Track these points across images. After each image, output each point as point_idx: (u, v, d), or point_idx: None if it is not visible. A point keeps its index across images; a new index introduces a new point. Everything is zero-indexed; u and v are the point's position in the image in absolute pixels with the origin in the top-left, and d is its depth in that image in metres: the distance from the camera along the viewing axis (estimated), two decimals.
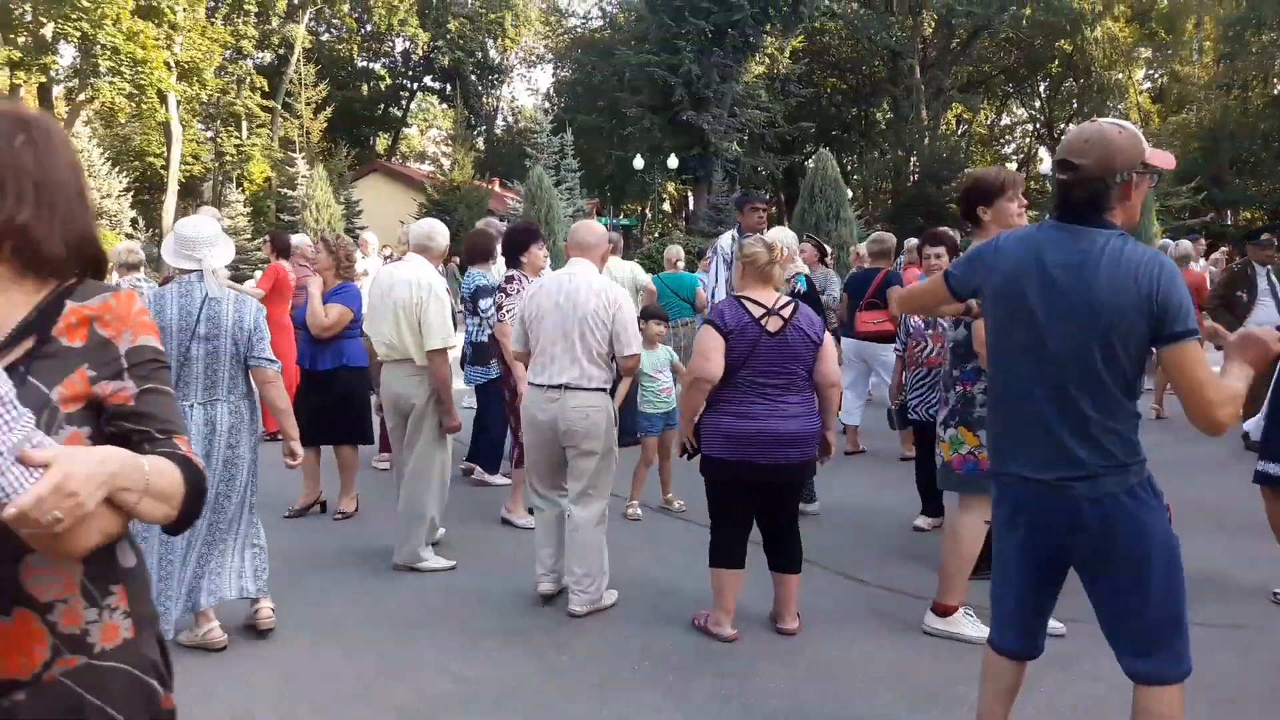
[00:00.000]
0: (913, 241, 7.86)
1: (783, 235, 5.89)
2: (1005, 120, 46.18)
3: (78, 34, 26.37)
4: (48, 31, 27.02)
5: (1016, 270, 2.50)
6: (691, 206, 37.88)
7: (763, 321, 3.89)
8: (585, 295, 4.32)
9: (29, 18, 26.90)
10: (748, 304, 3.94)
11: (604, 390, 4.39)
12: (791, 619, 4.16)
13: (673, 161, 29.21)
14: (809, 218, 20.65)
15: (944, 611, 4.10)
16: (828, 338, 4.07)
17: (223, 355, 3.92)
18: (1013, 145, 45.55)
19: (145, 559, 1.60)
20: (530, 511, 5.78)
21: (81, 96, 28.47)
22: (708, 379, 3.88)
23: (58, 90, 28.99)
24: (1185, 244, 10.17)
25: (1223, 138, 31.02)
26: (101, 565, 1.43)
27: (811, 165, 23.80)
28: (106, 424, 1.43)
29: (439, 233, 5.20)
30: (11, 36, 26.66)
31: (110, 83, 27.02)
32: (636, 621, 4.31)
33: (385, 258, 10.43)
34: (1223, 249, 13.22)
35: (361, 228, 27.25)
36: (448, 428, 4.96)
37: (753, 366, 3.88)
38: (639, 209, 41.90)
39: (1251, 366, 2.36)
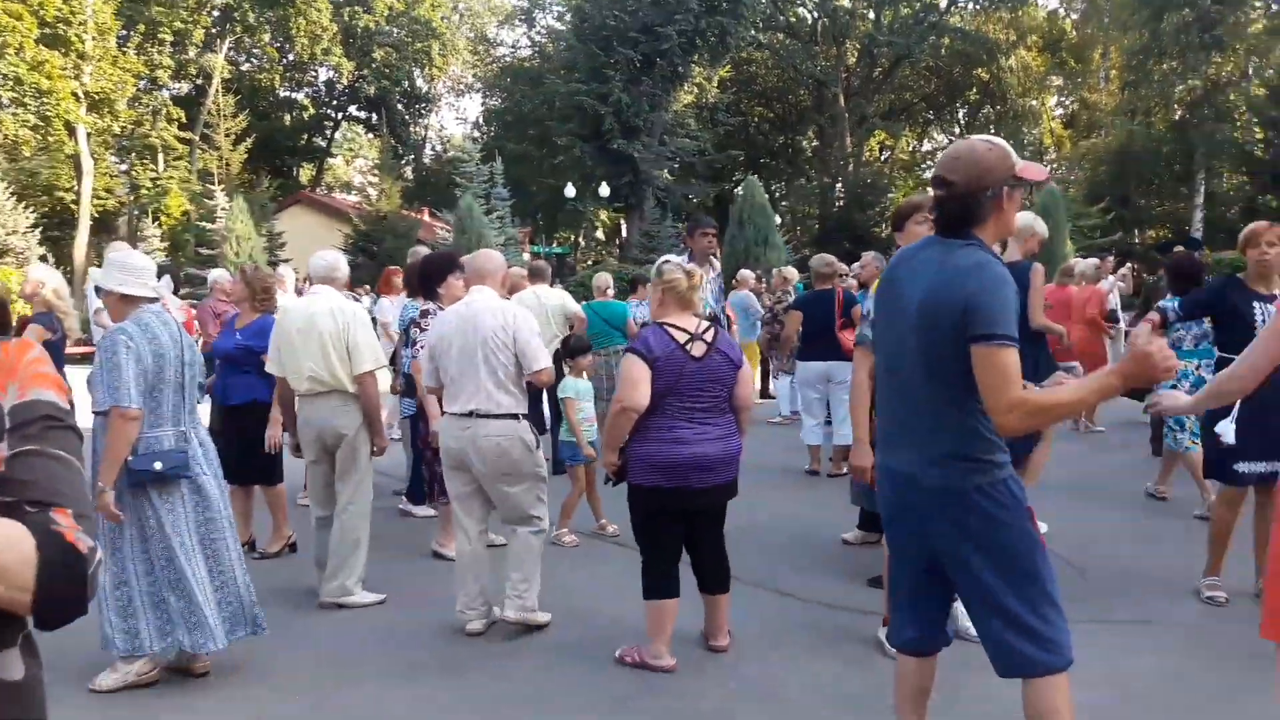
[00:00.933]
0: (867, 255, 7.80)
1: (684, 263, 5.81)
2: (927, 146, 47.40)
3: None
4: None
5: (888, 283, 2.71)
6: (625, 234, 37.95)
7: (688, 347, 3.87)
8: (484, 318, 4.30)
9: None
10: (671, 330, 3.90)
11: (515, 417, 4.30)
12: (724, 636, 4.15)
13: (604, 190, 29.28)
14: (738, 243, 20.86)
15: (885, 622, 4.06)
16: (746, 360, 4.10)
17: (191, 384, 3.96)
18: (934, 170, 46.71)
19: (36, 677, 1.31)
20: None
21: None
22: (635, 408, 3.83)
23: None
24: (1086, 262, 10.36)
25: (1129, 160, 32.17)
26: None
27: (740, 192, 24.08)
28: None
29: (341, 263, 5.16)
30: None
31: (13, 114, 26.18)
32: (571, 649, 4.24)
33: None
34: (1127, 265, 13.65)
35: (285, 260, 26.76)
36: (378, 449, 4.92)
37: (680, 392, 3.85)
38: (571, 237, 41.89)
39: (1120, 379, 2.33)
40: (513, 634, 4.39)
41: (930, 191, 2.72)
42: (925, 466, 2.53)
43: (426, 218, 32.93)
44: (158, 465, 3.69)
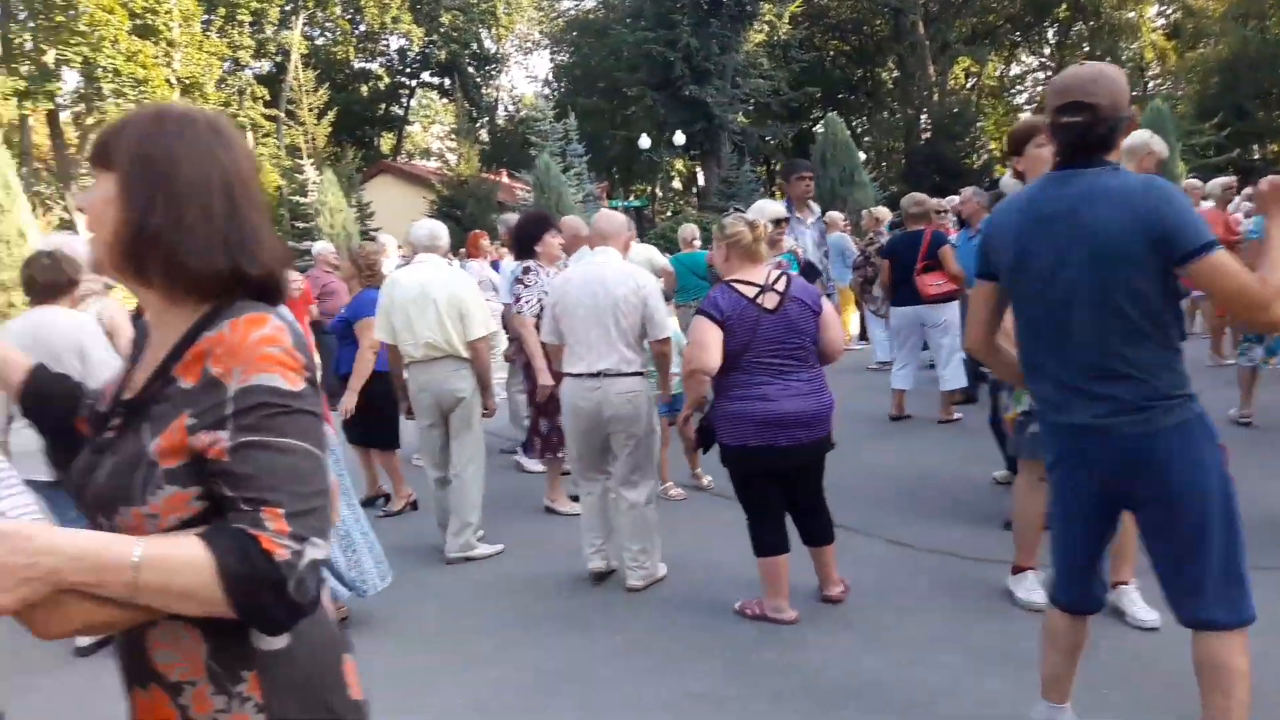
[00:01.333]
0: (950, 200, 7.64)
1: (768, 209, 5.75)
2: (1015, 70, 45.44)
3: (79, 59, 26.51)
4: (50, 59, 27.14)
5: (1018, 236, 2.49)
6: (702, 182, 37.60)
7: (759, 300, 3.82)
8: (615, 281, 4.36)
9: (30, 46, 27.01)
10: (739, 286, 3.86)
11: (641, 374, 4.42)
12: (835, 585, 4.16)
13: (679, 138, 28.95)
14: (823, 184, 20.43)
15: (1015, 570, 4.05)
16: (827, 304, 4.02)
17: None
18: (1024, 95, 44.79)
19: (309, 646, 1.32)
20: (574, 498, 5.80)
21: (90, 120, 28.58)
22: (705, 370, 3.81)
23: (65, 115, 29.10)
24: (1214, 182, 9.84)
25: (1242, 70, 30.24)
26: (229, 647, 1.24)
27: (820, 131, 23.55)
28: (213, 484, 1.20)
29: (442, 231, 5.29)
30: (15, 67, 26.78)
31: (115, 104, 27.12)
32: (687, 600, 4.32)
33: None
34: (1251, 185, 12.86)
35: (376, 229, 27.31)
36: (489, 410, 5.11)
37: (758, 348, 3.80)
38: (648, 189, 41.67)
39: None
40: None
41: (1040, 117, 2.60)
42: (1116, 415, 2.35)
43: (505, 179, 33.14)
44: None
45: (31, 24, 28.77)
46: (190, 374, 1.22)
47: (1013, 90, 44.89)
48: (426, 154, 50.39)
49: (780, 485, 3.98)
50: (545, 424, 5.78)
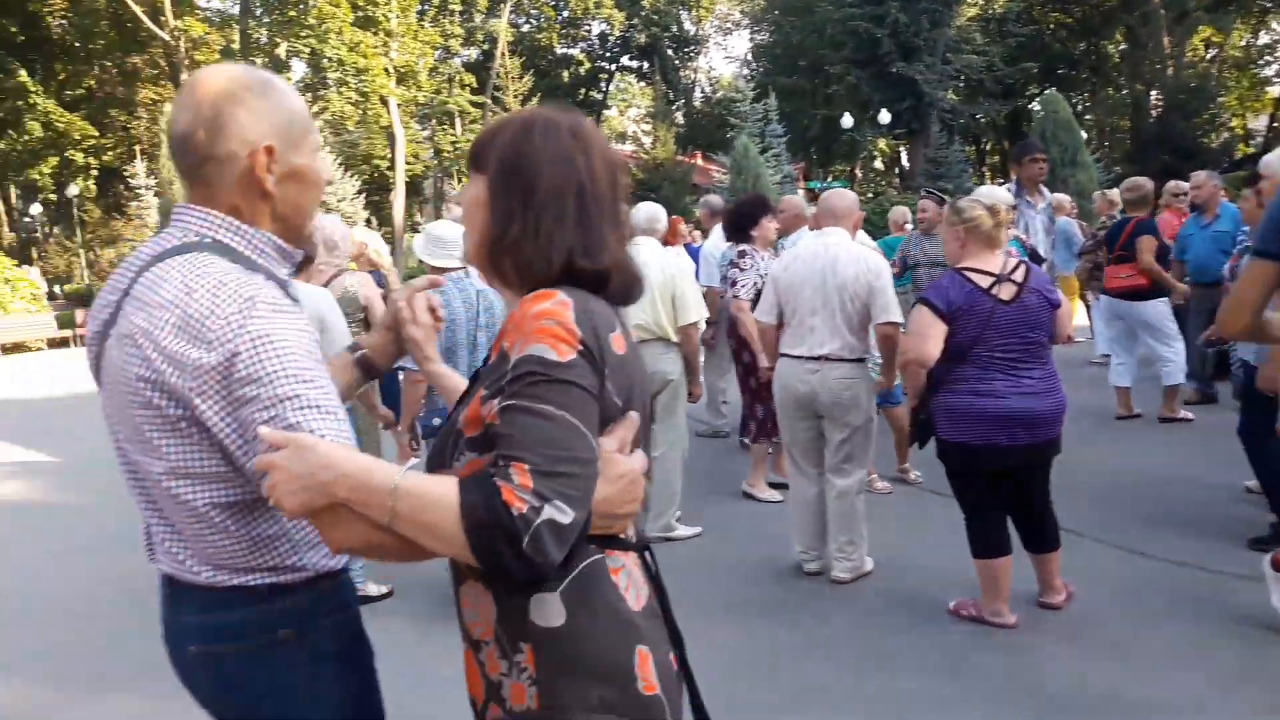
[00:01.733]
0: (1199, 175, 6.99)
1: (996, 194, 5.38)
2: (1264, 39, 41.11)
3: (307, 50, 28.50)
4: (281, 51, 29.35)
5: None
6: (906, 163, 36.33)
7: (994, 291, 3.57)
8: (844, 262, 4.21)
9: (265, 40, 29.30)
10: (973, 275, 3.61)
11: (862, 361, 4.27)
12: (1058, 592, 3.89)
13: (884, 117, 28.00)
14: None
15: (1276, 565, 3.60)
16: (1063, 297, 3.76)
17: (488, 341, 4.24)
18: (1275, 66, 40.55)
19: (608, 642, 1.32)
20: (773, 486, 5.73)
21: (314, 109, 30.73)
22: (921, 361, 3.63)
23: None
24: None
25: None
26: (512, 616, 1.30)
27: (1039, 109, 22.21)
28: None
29: (660, 214, 5.29)
30: (251, 59, 29.12)
31: (338, 93, 29.03)
32: (897, 597, 4.16)
33: None
34: None
35: None
36: (694, 395, 5.09)
37: (989, 342, 3.56)
38: (848, 170, 40.67)
39: None
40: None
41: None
42: None
43: (700, 161, 33.15)
44: (436, 421, 4.19)
45: (267, 19, 31.21)
46: (495, 351, 1.31)
47: (1260, 62, 40.69)
48: (622, 137, 51.22)
49: (1002, 485, 3.73)
50: (761, 409, 5.70)
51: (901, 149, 38.86)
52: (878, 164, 43.46)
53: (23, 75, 30.68)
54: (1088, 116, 36.61)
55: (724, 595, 4.30)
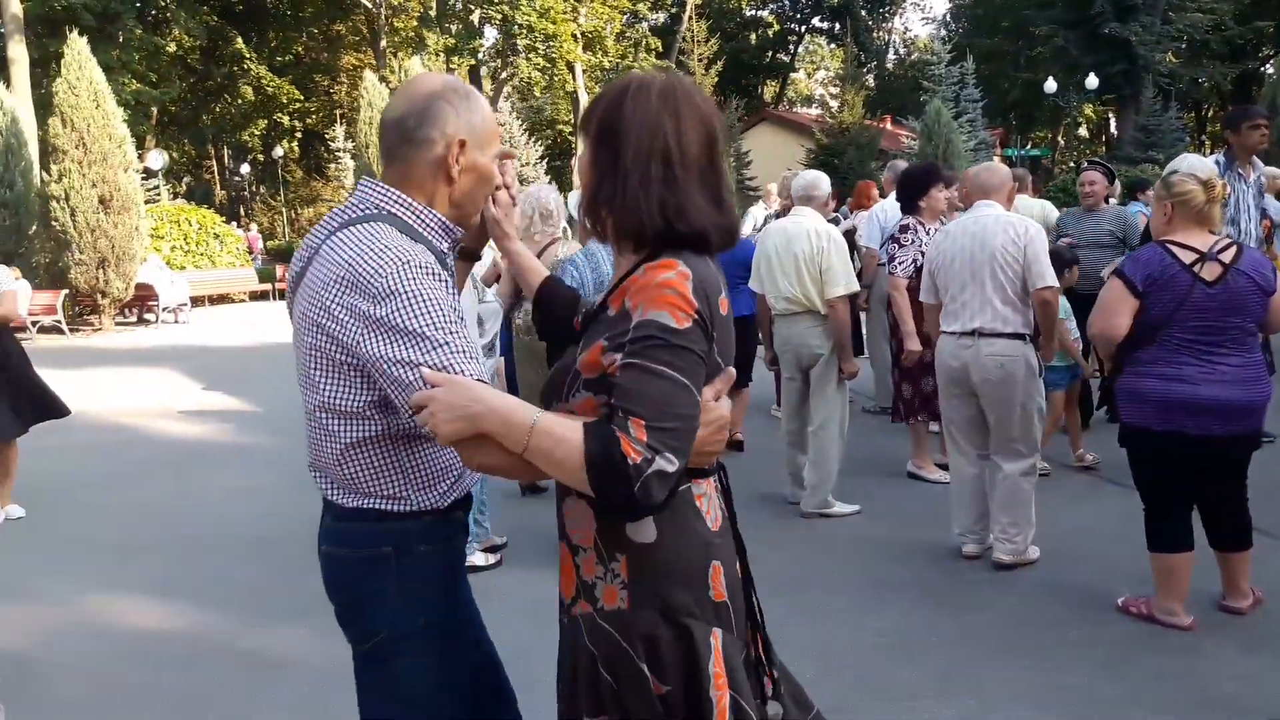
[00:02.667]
0: None
1: (1200, 165, 4.88)
2: None
3: (499, 16, 29.27)
4: (475, 18, 30.27)
5: None
6: (1114, 130, 33.90)
7: (1196, 269, 3.25)
8: (992, 231, 4.03)
9: (459, 7, 30.30)
10: (1176, 250, 3.31)
11: (1022, 337, 4.02)
12: (1244, 596, 3.56)
13: (1091, 81, 26.16)
14: (1272, 134, 17.52)
15: None
16: None
17: None
18: None
19: (690, 553, 1.54)
20: (942, 467, 5.48)
21: (504, 74, 31.62)
22: (1105, 336, 3.40)
23: (484, 71, 32.42)
24: None
25: None
26: (610, 531, 1.52)
27: (1272, 72, 20.16)
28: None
29: (820, 182, 5.15)
30: (446, 26, 30.20)
31: (527, 59, 29.72)
32: (1062, 588, 3.94)
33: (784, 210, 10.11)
34: None
35: (752, 178, 27.71)
36: (847, 373, 4.90)
37: (1183, 322, 3.27)
38: (1049, 136, 38.33)
39: None
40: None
41: None
42: None
43: (889, 126, 32.02)
44: None
45: None
46: (615, 306, 1.48)
47: None
48: (808, 101, 50.12)
49: (1189, 478, 3.44)
50: (908, 388, 5.51)
51: (1110, 115, 36.30)
52: (1082, 131, 40.78)
53: (239, 43, 33.04)
54: None
55: (876, 575, 4.21)
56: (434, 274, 1.57)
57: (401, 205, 1.68)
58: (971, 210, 4.25)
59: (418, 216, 1.69)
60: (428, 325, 1.50)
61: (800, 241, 4.81)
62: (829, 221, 5.32)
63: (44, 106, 22.50)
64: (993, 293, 4.00)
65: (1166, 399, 3.29)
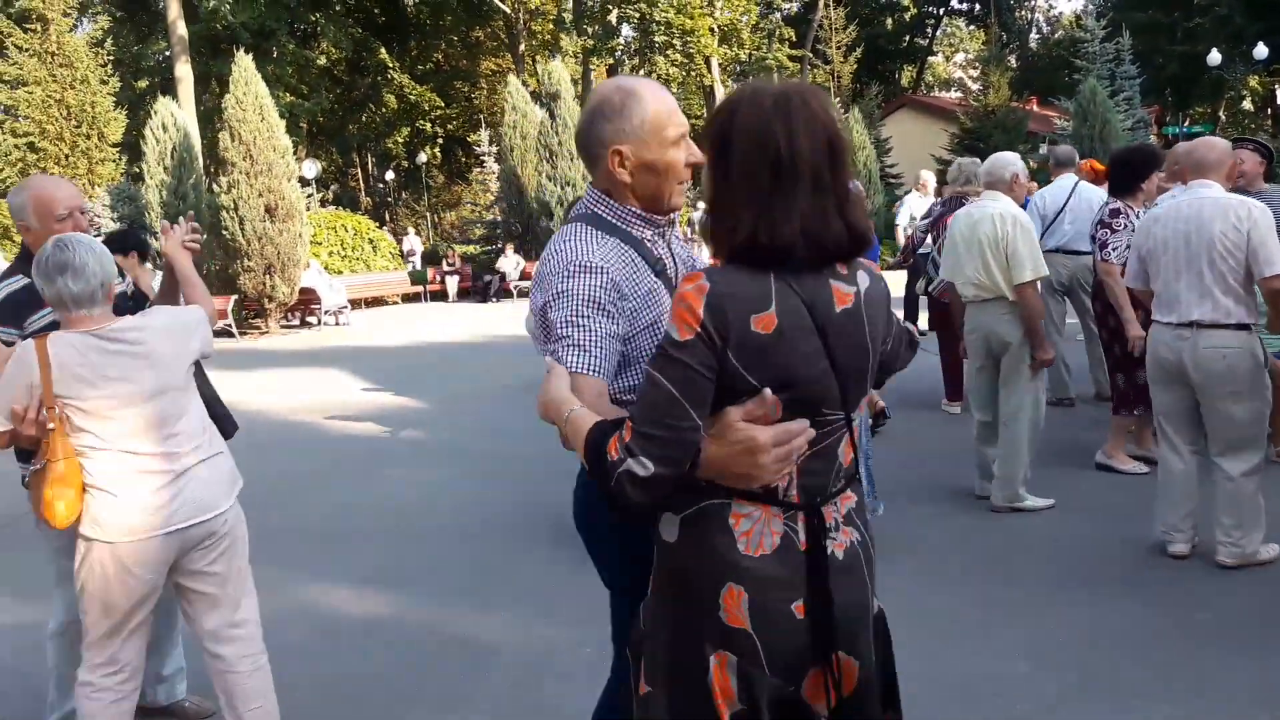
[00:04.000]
0: None
1: None
2: None
3: (636, 15, 29.45)
4: (613, 17, 30.56)
5: None
6: None
7: None
8: (1210, 216, 3.78)
9: (596, 7, 30.65)
10: None
11: (1246, 328, 3.79)
12: None
13: (1259, 50, 24.44)
14: None
15: None
16: None
17: None
18: None
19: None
20: (1137, 459, 5.37)
21: (642, 72, 31.79)
22: None
23: (621, 69, 32.68)
24: None
25: None
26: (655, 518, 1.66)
27: None
28: None
29: (1003, 163, 4.98)
30: (585, 27, 30.59)
31: (664, 56, 29.81)
32: None
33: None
34: None
35: (893, 165, 27.07)
36: (1040, 361, 4.74)
37: None
38: (1209, 111, 36.06)
39: None
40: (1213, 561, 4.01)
41: None
42: None
43: (1035, 108, 30.73)
44: None
45: None
46: None
47: None
48: (947, 85, 48.58)
49: None
50: (1122, 377, 5.29)
51: (1278, 87, 33.87)
52: (1246, 104, 38.21)
53: (383, 53, 34.29)
54: None
55: (1074, 570, 4.08)
56: (589, 270, 1.76)
57: (601, 204, 1.91)
58: (1186, 190, 4.01)
59: (614, 212, 1.90)
60: (559, 319, 1.74)
61: (985, 226, 4.70)
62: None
63: (205, 120, 24.01)
64: (1212, 282, 3.77)
65: None
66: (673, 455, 1.45)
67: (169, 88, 22.55)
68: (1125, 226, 5.04)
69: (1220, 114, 36.54)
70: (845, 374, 1.52)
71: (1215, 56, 25.12)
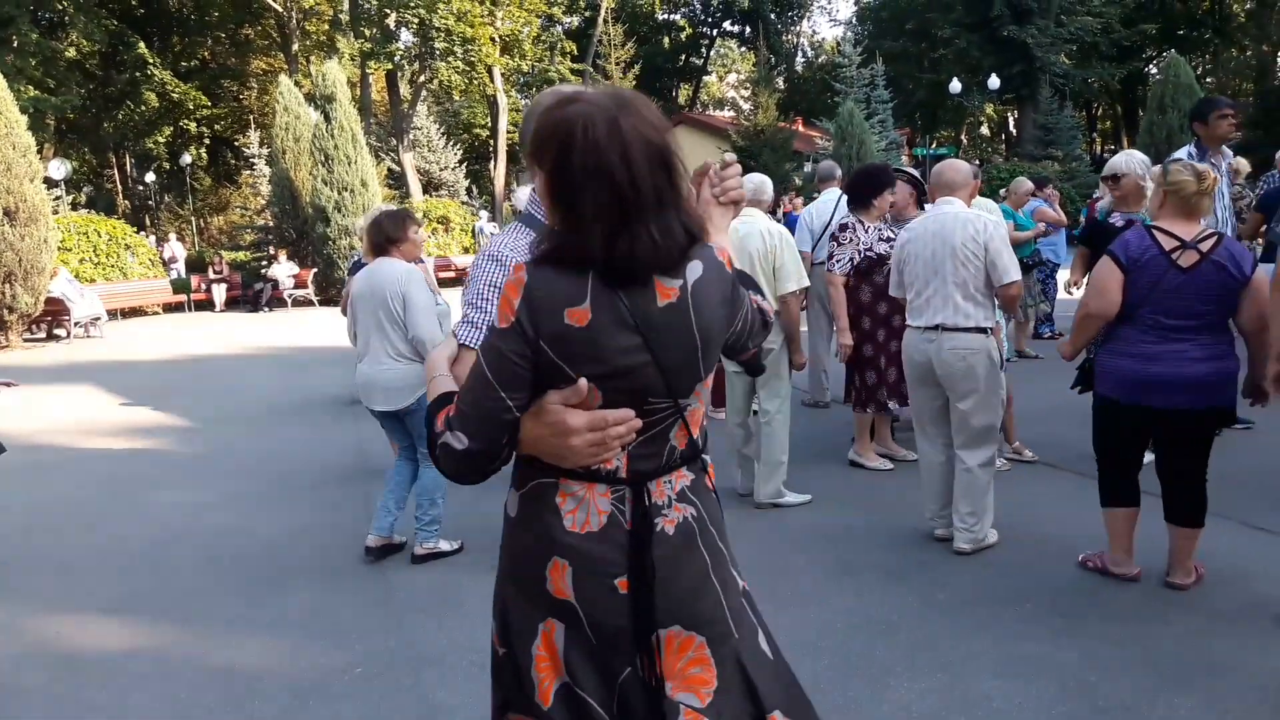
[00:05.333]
0: None
1: (1134, 159, 5.19)
2: None
3: (416, 20, 28.93)
4: (391, 21, 29.85)
5: None
6: (1014, 129, 35.13)
7: (1174, 255, 3.51)
8: (952, 228, 4.20)
9: (374, 10, 29.84)
10: (1159, 235, 3.57)
11: (983, 331, 4.21)
12: (1185, 574, 3.81)
13: (993, 82, 27.17)
14: (1158, 132, 18.56)
15: None
16: (1259, 275, 3.54)
17: None
18: None
19: None
20: (884, 456, 5.82)
21: (422, 79, 31.24)
22: (1099, 314, 3.65)
23: (401, 74, 31.98)
24: None
25: None
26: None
27: (1156, 73, 21.25)
28: None
29: (766, 185, 5.36)
30: (362, 30, 29.71)
31: (445, 63, 29.42)
32: (1016, 564, 4.19)
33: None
34: None
35: None
36: (796, 365, 5.11)
37: (1156, 304, 3.54)
38: (953, 136, 39.57)
39: None
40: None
41: None
42: None
43: (800, 128, 32.66)
44: None
45: None
46: None
47: None
48: (720, 104, 50.71)
49: (1143, 444, 3.80)
50: (856, 378, 5.76)
51: (1010, 115, 37.61)
52: (984, 130, 42.19)
53: (141, 47, 31.95)
54: (1208, 80, 34.85)
55: (837, 559, 4.38)
56: (501, 259, 1.86)
57: (534, 204, 1.93)
58: (934, 207, 4.41)
59: (543, 210, 1.83)
60: (464, 300, 1.86)
61: (754, 240, 4.94)
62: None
63: None
64: (954, 289, 4.17)
65: (1135, 375, 3.59)
66: (484, 432, 1.53)
67: None
68: (850, 241, 5.49)
69: (962, 138, 40.17)
70: (668, 365, 1.56)
71: (956, 85, 27.63)
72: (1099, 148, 40.62)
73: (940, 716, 2.99)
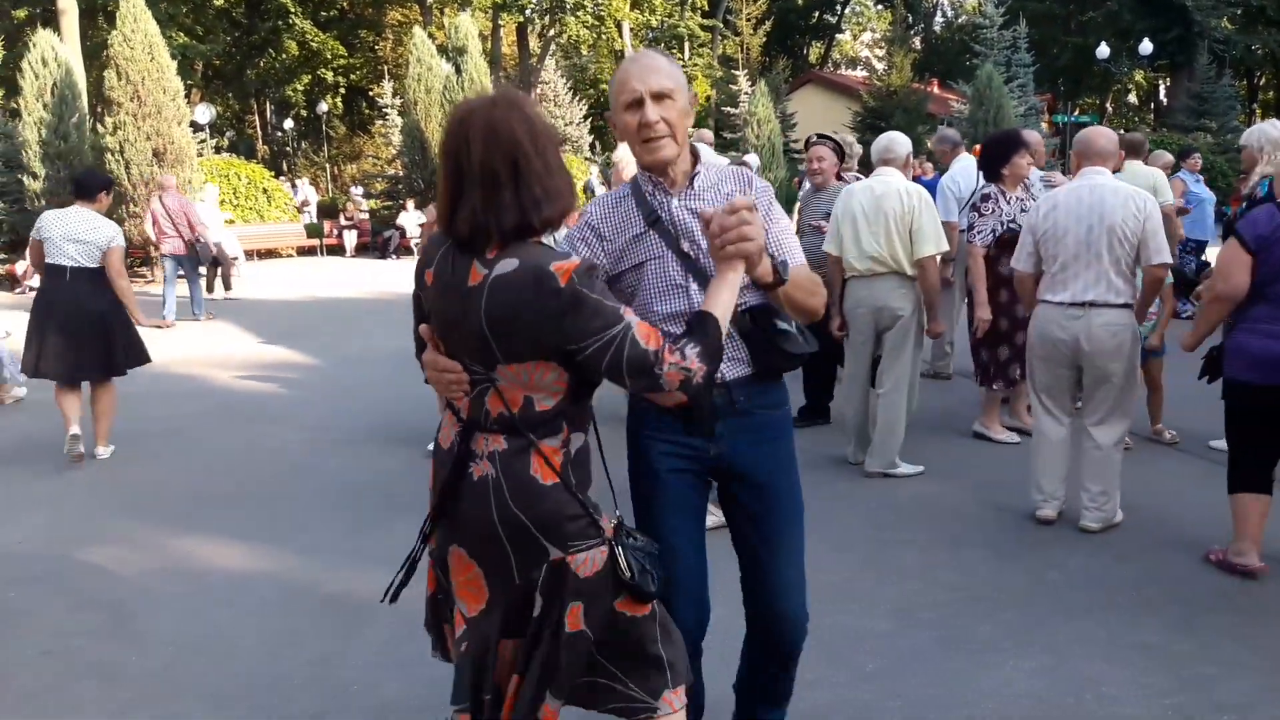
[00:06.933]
0: None
1: (1264, 131, 4.88)
2: None
3: None
4: None
5: None
6: (1164, 98, 33.17)
7: None
8: (1112, 204, 4.00)
9: None
10: None
11: (1129, 306, 4.07)
12: None
13: (1145, 46, 25.59)
14: None
15: None
16: None
17: None
18: None
19: None
20: (1013, 429, 5.66)
21: (551, 32, 31.37)
22: (1227, 296, 3.53)
23: (531, 28, 32.20)
24: None
25: None
26: None
27: None
28: None
29: (898, 142, 5.13)
30: None
31: (575, 16, 29.46)
32: (1134, 548, 4.04)
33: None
34: None
35: (796, 141, 27.44)
36: (933, 331, 5.05)
37: None
38: (1097, 103, 37.57)
39: None
40: (1069, 525, 4.28)
41: None
42: None
43: (936, 90, 31.53)
44: None
45: None
46: None
47: None
48: (853, 63, 49.34)
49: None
50: (985, 352, 5.55)
51: (1161, 82, 35.51)
52: (1131, 98, 39.96)
53: None
54: None
55: (944, 533, 4.30)
56: (582, 216, 2.20)
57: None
58: (1081, 177, 4.18)
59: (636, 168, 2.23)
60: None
61: (890, 200, 4.81)
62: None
63: (90, 56, 22.76)
64: (1109, 265, 4.00)
65: (1270, 354, 3.45)
66: (416, 350, 1.98)
67: (51, 19, 21.22)
68: (993, 211, 5.27)
69: (1107, 106, 38.12)
70: (468, 339, 1.82)
71: (1104, 50, 26.18)
72: (1257, 119, 38.01)
73: (1044, 696, 2.93)
